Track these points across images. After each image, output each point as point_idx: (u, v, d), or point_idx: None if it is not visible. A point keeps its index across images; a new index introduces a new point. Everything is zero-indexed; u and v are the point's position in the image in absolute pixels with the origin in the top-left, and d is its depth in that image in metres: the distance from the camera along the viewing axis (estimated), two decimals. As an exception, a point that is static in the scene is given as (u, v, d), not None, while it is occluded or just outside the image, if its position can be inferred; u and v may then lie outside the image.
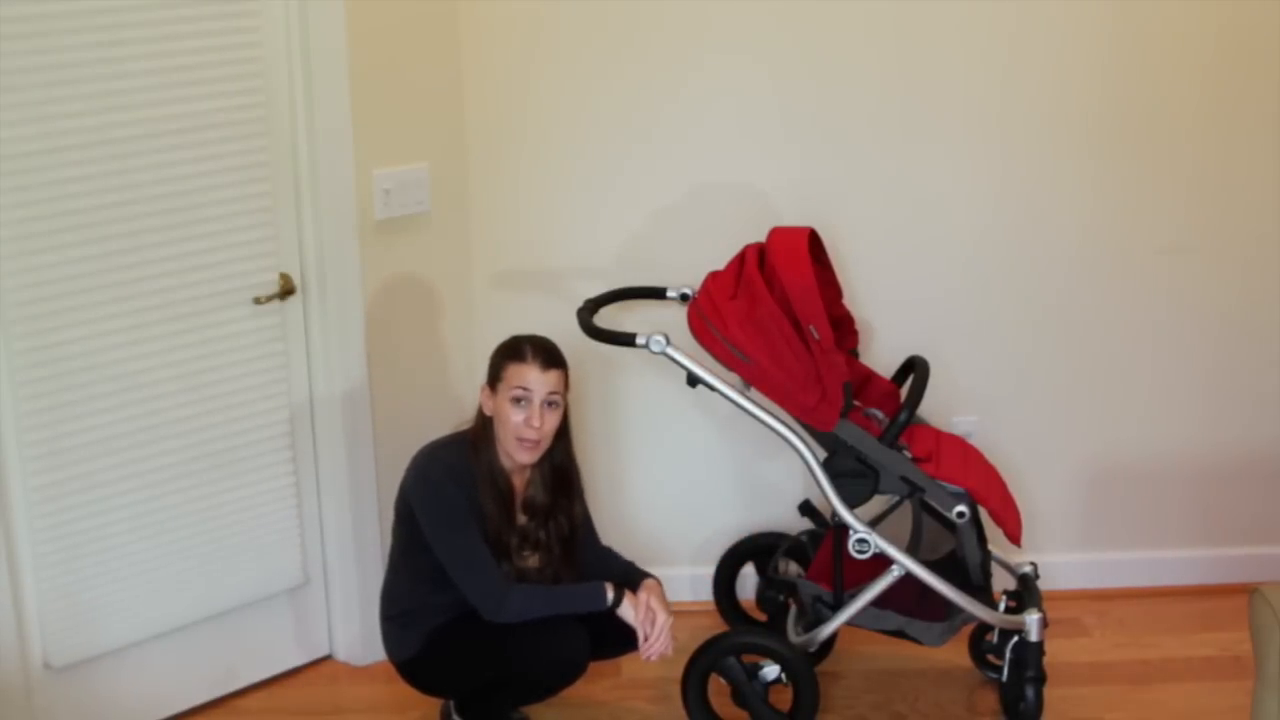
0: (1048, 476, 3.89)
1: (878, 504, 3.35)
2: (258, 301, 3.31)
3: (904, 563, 3.17)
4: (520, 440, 3.05)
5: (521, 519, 3.16)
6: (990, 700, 3.49)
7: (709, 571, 3.80)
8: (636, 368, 3.71)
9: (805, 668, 3.22)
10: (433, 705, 3.37)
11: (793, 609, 3.42)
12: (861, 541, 3.17)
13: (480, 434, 3.10)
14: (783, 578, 3.43)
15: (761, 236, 3.43)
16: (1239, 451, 3.93)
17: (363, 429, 3.52)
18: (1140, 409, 3.89)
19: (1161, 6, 3.58)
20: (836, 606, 3.24)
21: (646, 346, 3.14)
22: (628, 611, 3.08)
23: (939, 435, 3.38)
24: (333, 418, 3.49)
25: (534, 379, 3.03)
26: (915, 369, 3.34)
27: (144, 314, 3.14)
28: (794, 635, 3.31)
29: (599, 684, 3.51)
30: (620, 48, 3.58)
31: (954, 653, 3.55)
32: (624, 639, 3.15)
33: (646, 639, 3.07)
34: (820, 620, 3.27)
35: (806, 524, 3.61)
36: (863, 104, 3.63)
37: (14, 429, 3.03)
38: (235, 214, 3.23)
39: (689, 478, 3.90)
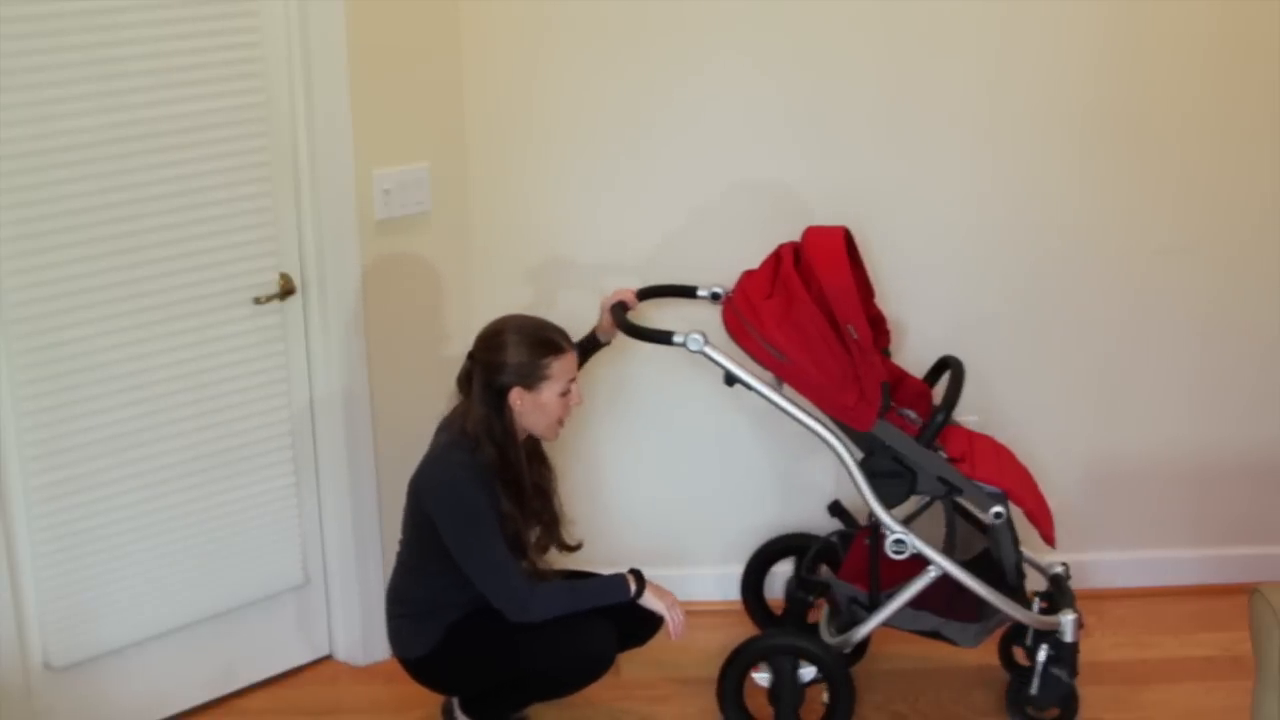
0: (1047, 477, 3.86)
1: (908, 504, 3.32)
2: (258, 301, 3.31)
3: (941, 564, 3.16)
4: (562, 422, 3.10)
5: (534, 502, 3.16)
6: (989, 700, 3.49)
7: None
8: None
9: (842, 669, 3.21)
10: (433, 705, 3.37)
11: (825, 610, 3.41)
12: (899, 542, 3.16)
13: (488, 434, 3.04)
14: (818, 579, 3.41)
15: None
16: (1238, 451, 3.93)
17: (363, 429, 3.52)
18: (1139, 409, 3.89)
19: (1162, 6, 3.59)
20: (873, 607, 3.23)
21: (684, 345, 3.12)
22: (651, 600, 3.07)
23: (971, 435, 3.36)
24: (333, 418, 3.49)
25: (574, 362, 3.09)
26: (951, 369, 3.31)
27: (144, 314, 3.14)
28: (827, 636, 3.29)
29: (599, 684, 3.50)
30: (621, 47, 3.58)
31: (954, 653, 3.55)
32: (642, 625, 3.15)
33: (675, 621, 3.09)
34: (856, 621, 3.25)
35: (834, 524, 3.60)
36: (861, 104, 3.63)
37: (14, 429, 3.03)
38: (235, 214, 3.23)
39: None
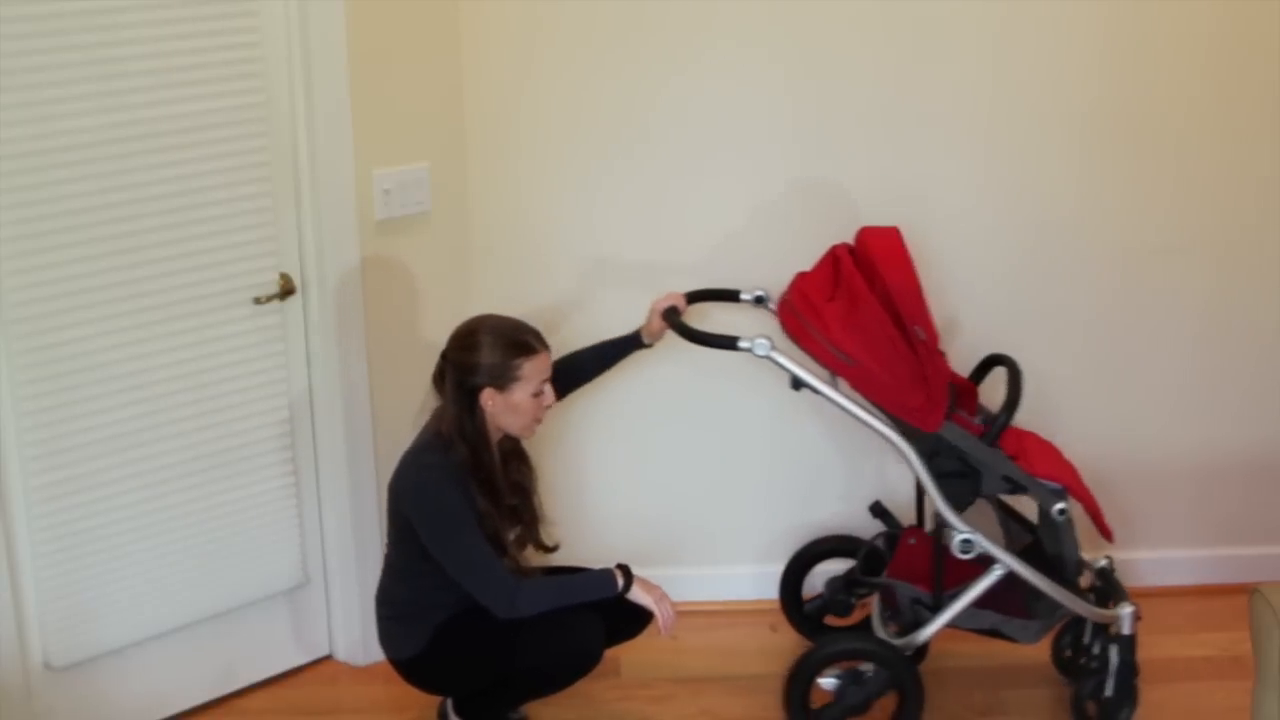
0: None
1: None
2: (258, 301, 3.31)
3: (1008, 562, 3.17)
4: (538, 420, 3.09)
5: (511, 500, 3.16)
6: (989, 700, 3.49)
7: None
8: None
9: (911, 670, 3.23)
10: (433, 707, 3.37)
11: (876, 611, 3.44)
12: (966, 542, 3.15)
13: (460, 433, 3.03)
14: (880, 580, 3.41)
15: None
16: (1239, 451, 3.93)
17: (362, 429, 3.52)
18: (1140, 408, 3.89)
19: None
20: (936, 608, 3.24)
21: (750, 350, 3.08)
22: (640, 595, 3.06)
23: (1020, 433, 3.36)
24: (332, 418, 3.49)
25: (548, 363, 3.07)
26: (1007, 368, 3.30)
27: (144, 314, 3.14)
28: (884, 638, 3.31)
29: (599, 684, 3.51)
30: (619, 47, 3.58)
31: (952, 653, 3.55)
32: (632, 620, 3.14)
33: (664, 616, 3.06)
34: (920, 622, 3.26)
35: (868, 525, 3.62)
36: (865, 103, 3.62)
37: (14, 429, 3.03)
38: (235, 214, 3.23)
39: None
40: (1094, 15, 3.58)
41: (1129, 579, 3.96)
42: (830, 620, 3.69)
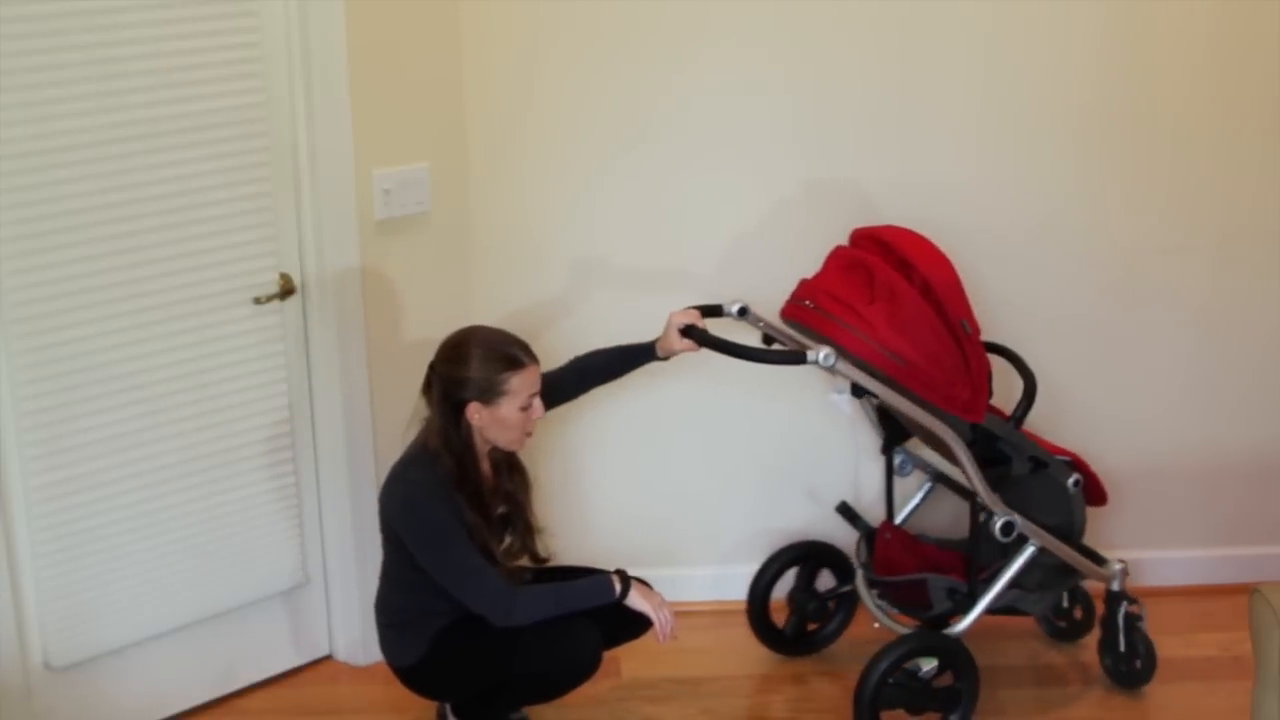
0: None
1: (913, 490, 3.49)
2: (258, 301, 3.31)
3: (1041, 539, 3.29)
4: (528, 434, 3.07)
5: (501, 508, 3.15)
6: (984, 699, 3.48)
7: (723, 572, 3.85)
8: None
9: (968, 655, 3.30)
10: (431, 707, 3.37)
11: (872, 608, 3.50)
12: (1008, 525, 3.24)
13: (445, 445, 3.02)
14: (913, 576, 3.44)
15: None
16: (1239, 451, 3.93)
17: (362, 429, 3.52)
18: (1138, 408, 3.89)
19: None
20: (972, 594, 3.31)
21: (817, 362, 3.06)
22: (637, 601, 3.04)
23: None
24: (333, 418, 3.49)
25: (536, 377, 3.04)
26: (1007, 357, 3.40)
27: (144, 314, 3.14)
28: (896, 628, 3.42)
29: (599, 684, 3.50)
30: (619, 47, 3.58)
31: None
32: (629, 625, 3.12)
33: (661, 623, 3.05)
34: (959, 610, 3.33)
35: (831, 527, 3.66)
36: (863, 102, 3.63)
37: (14, 429, 3.03)
38: (235, 214, 3.23)
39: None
40: (1092, 15, 3.58)
41: (1129, 579, 3.97)
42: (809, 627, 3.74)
